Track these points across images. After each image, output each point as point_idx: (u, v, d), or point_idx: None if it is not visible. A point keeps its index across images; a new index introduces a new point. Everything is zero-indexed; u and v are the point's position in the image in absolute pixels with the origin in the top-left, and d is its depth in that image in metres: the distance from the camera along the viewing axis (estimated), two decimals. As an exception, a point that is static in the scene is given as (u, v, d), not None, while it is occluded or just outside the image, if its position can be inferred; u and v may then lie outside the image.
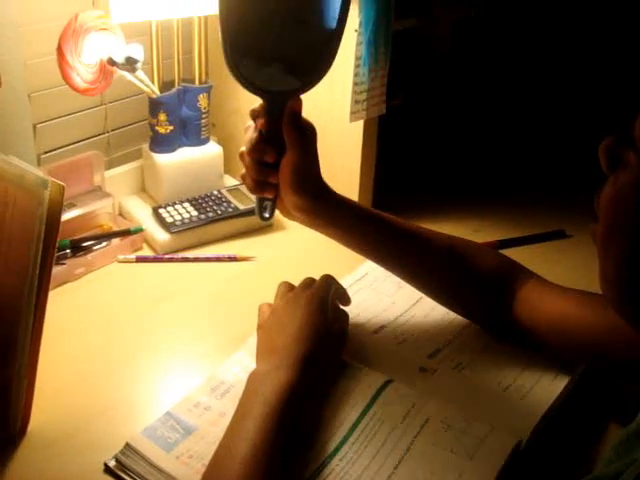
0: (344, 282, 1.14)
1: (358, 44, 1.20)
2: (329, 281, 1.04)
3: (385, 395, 0.93)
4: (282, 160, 0.98)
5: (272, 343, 0.95)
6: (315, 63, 0.96)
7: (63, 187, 0.83)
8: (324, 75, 0.97)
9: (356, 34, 1.19)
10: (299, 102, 0.98)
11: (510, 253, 1.11)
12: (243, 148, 1.00)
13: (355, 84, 1.23)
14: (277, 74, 0.96)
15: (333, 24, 0.94)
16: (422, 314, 1.13)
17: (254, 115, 0.99)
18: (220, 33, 0.91)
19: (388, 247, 1.05)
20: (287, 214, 1.05)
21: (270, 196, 1.02)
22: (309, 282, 1.04)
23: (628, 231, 0.59)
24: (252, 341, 1.02)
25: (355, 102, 1.24)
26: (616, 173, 0.60)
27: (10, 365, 0.85)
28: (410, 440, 0.87)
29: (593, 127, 0.71)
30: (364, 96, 1.25)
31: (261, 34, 0.93)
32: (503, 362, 1.02)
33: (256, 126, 0.99)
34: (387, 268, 1.08)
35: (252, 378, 0.90)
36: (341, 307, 1.08)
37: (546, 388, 0.98)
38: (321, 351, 0.93)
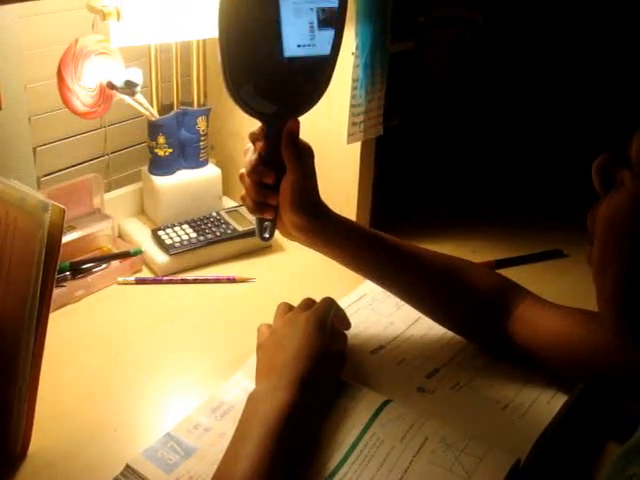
0: (343, 302, 1.15)
1: (355, 67, 1.21)
2: (329, 303, 1.04)
3: (383, 415, 0.93)
4: (282, 181, 0.99)
5: (271, 363, 0.95)
6: (312, 87, 0.98)
7: (64, 210, 0.83)
8: (319, 98, 0.99)
9: (353, 57, 1.20)
10: (297, 124, 0.99)
11: (508, 272, 1.12)
12: (243, 170, 1.01)
13: (352, 106, 1.24)
14: (275, 98, 0.97)
15: (328, 49, 0.96)
16: (420, 334, 1.13)
17: (253, 138, 1.00)
18: (219, 58, 0.92)
19: (386, 266, 1.06)
20: (286, 234, 1.06)
21: (269, 217, 1.03)
22: (309, 303, 1.04)
23: (624, 251, 0.59)
24: (251, 362, 1.02)
25: (352, 124, 1.25)
26: (610, 193, 0.60)
27: (11, 386, 0.85)
28: (409, 460, 0.87)
29: (589, 147, 0.71)
30: (361, 118, 1.26)
31: (259, 59, 0.94)
32: (501, 381, 1.03)
33: (255, 148, 1.00)
34: (385, 287, 1.09)
35: (251, 398, 0.90)
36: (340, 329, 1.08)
37: (544, 406, 0.98)
38: (320, 371, 0.94)
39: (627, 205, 0.58)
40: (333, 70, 0.97)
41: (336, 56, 0.97)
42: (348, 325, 1.10)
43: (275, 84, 0.97)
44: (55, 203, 0.83)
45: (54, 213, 0.82)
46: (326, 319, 1.00)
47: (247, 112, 0.96)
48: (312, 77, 0.97)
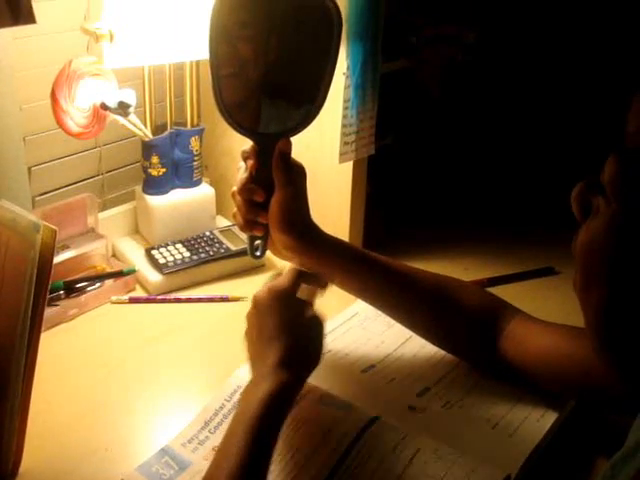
0: (334, 321, 1.16)
1: (346, 87, 1.22)
2: (292, 272, 1.00)
3: (375, 428, 0.94)
4: (271, 200, 1.00)
5: (253, 352, 0.95)
6: (304, 108, 0.99)
7: (55, 231, 0.84)
8: (313, 119, 0.99)
9: (344, 77, 1.21)
10: (288, 143, 1.00)
11: (499, 290, 1.12)
12: (235, 188, 1.02)
13: (344, 126, 1.25)
14: (267, 117, 0.99)
15: (321, 72, 0.97)
16: (411, 353, 1.14)
17: (245, 156, 1.01)
18: (211, 79, 0.93)
19: (377, 286, 1.07)
20: (278, 253, 1.06)
21: (259, 234, 1.04)
22: (274, 279, 1.02)
23: (603, 278, 0.60)
24: (239, 373, 1.03)
25: (344, 144, 1.26)
26: (588, 220, 0.61)
27: (2, 404, 0.86)
28: (401, 469, 0.88)
29: (581, 165, 0.72)
30: (353, 138, 1.27)
31: (251, 80, 0.96)
32: (491, 399, 1.03)
33: (246, 167, 1.01)
34: (376, 306, 1.10)
35: (242, 393, 0.91)
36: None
37: (534, 424, 0.98)
38: (298, 344, 0.92)
39: (603, 231, 0.59)
40: (327, 91, 0.98)
41: (330, 77, 0.98)
42: (325, 283, 1.05)
43: (266, 102, 0.98)
44: (46, 224, 0.83)
45: (45, 233, 0.83)
46: (289, 290, 0.97)
47: (238, 131, 0.97)
48: (304, 97, 0.99)
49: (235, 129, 0.97)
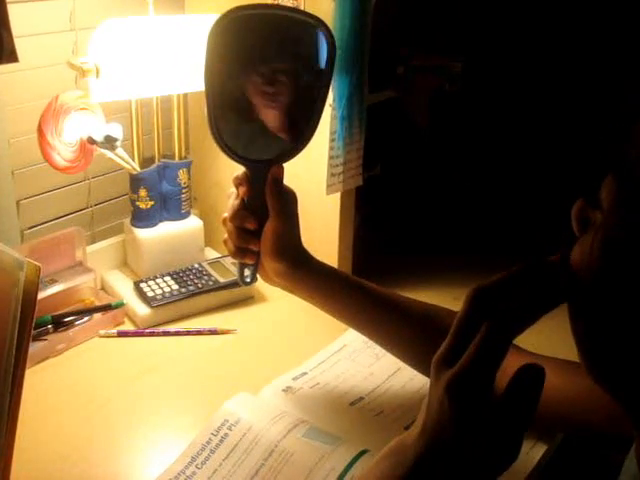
0: (323, 353, 1.15)
1: (332, 119, 1.22)
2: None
3: (361, 463, 0.93)
4: (265, 227, 1.01)
5: None
6: (297, 133, 1.00)
7: (39, 268, 0.84)
8: (306, 144, 1.01)
9: (330, 109, 1.22)
10: (281, 169, 1.01)
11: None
12: (226, 214, 1.02)
13: (331, 157, 1.25)
14: (260, 144, 0.99)
15: (314, 98, 0.99)
16: (400, 385, 1.13)
17: (237, 182, 1.02)
18: (206, 109, 0.94)
19: (367, 314, 1.06)
20: (268, 279, 1.07)
21: (250, 262, 1.04)
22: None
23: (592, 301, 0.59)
24: (226, 406, 1.03)
25: (331, 175, 1.26)
26: (582, 236, 0.61)
27: (-14, 445, 0.85)
28: None
29: (569, 192, 0.71)
30: (340, 169, 1.27)
31: (245, 109, 0.96)
32: (480, 432, 1.03)
33: (238, 194, 1.01)
34: (365, 334, 1.09)
35: None
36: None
37: (523, 457, 0.98)
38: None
39: (594, 242, 0.58)
40: (319, 118, 0.99)
41: (322, 104, 0.99)
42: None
43: (260, 129, 0.98)
44: (30, 260, 0.83)
45: (29, 271, 0.83)
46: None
47: (232, 158, 0.98)
48: (297, 124, 1.00)
49: (229, 156, 0.98)
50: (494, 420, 0.63)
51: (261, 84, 0.97)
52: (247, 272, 1.06)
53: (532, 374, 0.65)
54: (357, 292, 1.06)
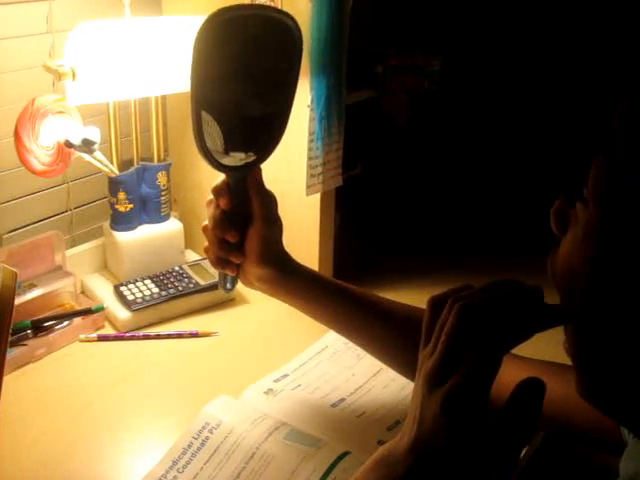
0: (304, 355, 1.15)
1: (311, 120, 1.22)
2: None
3: (343, 463, 0.93)
4: (248, 234, 1.00)
5: None
6: (267, 137, 0.99)
7: (15, 273, 0.84)
8: (274, 149, 0.99)
9: (309, 110, 1.21)
10: (259, 171, 1.00)
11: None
12: (206, 222, 1.01)
13: (310, 158, 1.25)
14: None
15: (279, 104, 0.97)
16: (381, 386, 1.13)
17: (216, 192, 1.00)
18: (193, 119, 0.92)
19: (348, 317, 1.06)
20: (249, 284, 1.06)
21: (231, 273, 1.04)
22: None
23: (584, 295, 0.59)
24: (207, 409, 1.02)
25: (311, 176, 1.26)
26: (567, 233, 0.60)
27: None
28: None
29: (556, 190, 0.71)
30: (319, 170, 1.27)
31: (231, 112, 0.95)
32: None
33: (218, 204, 1.00)
34: (347, 337, 1.09)
35: None
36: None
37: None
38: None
39: (581, 235, 0.57)
40: (286, 121, 0.98)
41: (288, 108, 0.98)
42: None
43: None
44: (6, 266, 0.83)
45: (5, 276, 0.83)
46: None
47: (217, 169, 0.96)
48: (268, 127, 0.99)
49: (215, 167, 0.96)
50: (492, 437, 0.62)
51: (240, 89, 0.96)
52: (228, 279, 1.06)
53: (532, 390, 0.64)
54: (339, 296, 1.05)
